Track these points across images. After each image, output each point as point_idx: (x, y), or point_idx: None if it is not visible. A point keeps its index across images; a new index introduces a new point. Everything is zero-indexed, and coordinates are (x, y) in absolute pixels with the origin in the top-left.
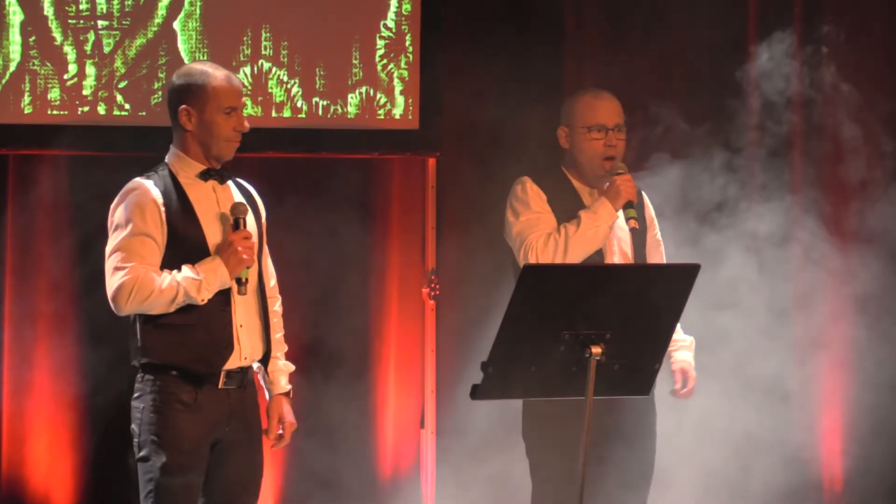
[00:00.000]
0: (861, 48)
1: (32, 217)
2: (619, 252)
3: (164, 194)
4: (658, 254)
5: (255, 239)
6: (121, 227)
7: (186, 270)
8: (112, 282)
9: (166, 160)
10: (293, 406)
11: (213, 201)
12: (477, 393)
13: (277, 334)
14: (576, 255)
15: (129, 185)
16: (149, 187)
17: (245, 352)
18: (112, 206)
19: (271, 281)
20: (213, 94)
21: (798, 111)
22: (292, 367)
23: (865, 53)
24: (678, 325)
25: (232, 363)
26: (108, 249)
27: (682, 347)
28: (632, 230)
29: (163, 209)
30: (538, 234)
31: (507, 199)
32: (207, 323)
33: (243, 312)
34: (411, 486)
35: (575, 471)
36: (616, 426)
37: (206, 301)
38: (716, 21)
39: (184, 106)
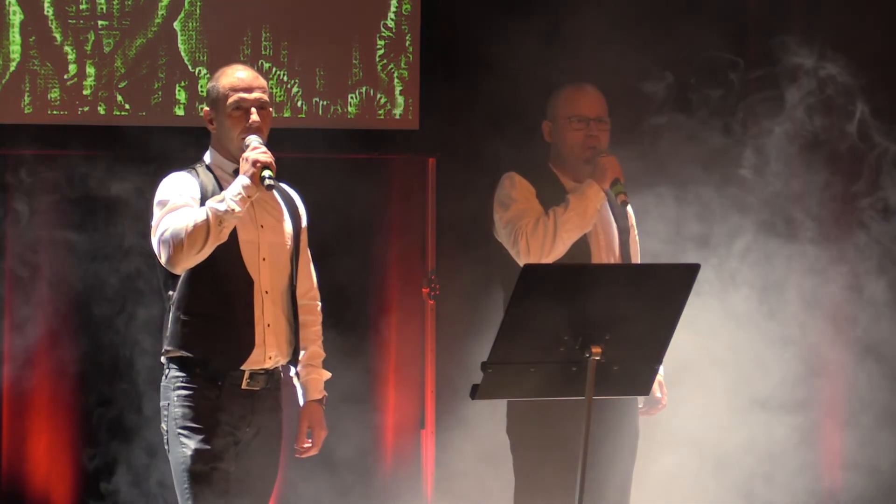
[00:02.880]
0: (861, 47)
1: (32, 217)
2: (606, 247)
3: (202, 185)
4: (636, 252)
5: (290, 241)
6: (160, 206)
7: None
8: (156, 248)
9: (203, 158)
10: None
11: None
12: (477, 393)
13: (318, 340)
14: (566, 237)
15: (168, 175)
16: (187, 176)
17: (270, 352)
18: (153, 200)
19: (313, 282)
20: (221, 93)
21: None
22: (328, 375)
23: (866, 52)
24: None
25: (256, 363)
26: (151, 232)
27: None
28: (621, 229)
29: (199, 198)
30: (528, 219)
31: (495, 194)
32: (233, 318)
33: (271, 312)
34: (411, 486)
35: (557, 467)
36: (598, 425)
37: (237, 211)
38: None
39: (205, 108)
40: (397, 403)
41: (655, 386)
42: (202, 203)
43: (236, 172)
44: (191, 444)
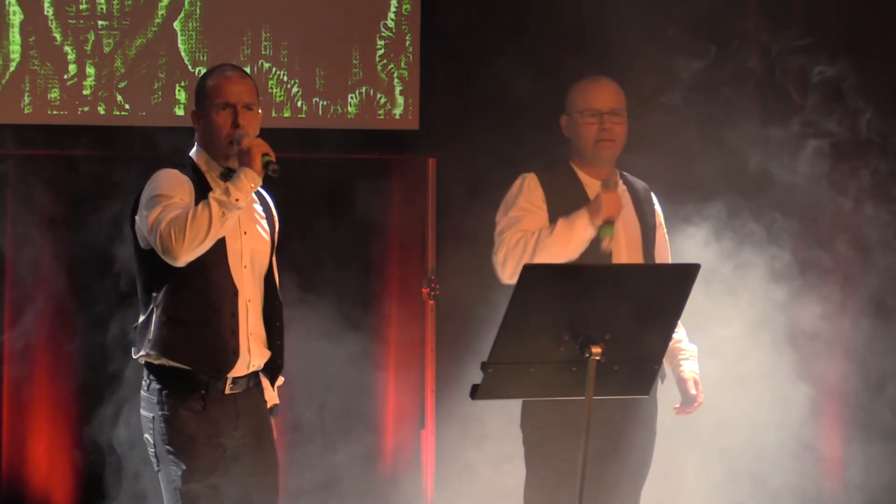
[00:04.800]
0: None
1: (32, 217)
2: (627, 246)
3: (194, 184)
4: (665, 253)
5: (268, 248)
6: (157, 200)
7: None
8: (156, 242)
9: (191, 155)
10: (295, 406)
11: None
12: (477, 393)
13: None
14: (543, 260)
15: (159, 171)
16: (180, 175)
17: (254, 360)
18: (144, 192)
19: (277, 284)
20: (207, 92)
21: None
22: (281, 380)
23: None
24: (684, 334)
25: (239, 371)
26: (148, 225)
27: (691, 357)
28: (646, 227)
29: (193, 191)
30: (514, 231)
31: (507, 192)
32: (218, 325)
33: (253, 321)
34: (411, 486)
35: (569, 462)
36: (616, 429)
37: (241, 202)
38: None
39: (193, 108)
40: (397, 403)
41: (691, 384)
42: (197, 201)
43: (223, 176)
44: (181, 462)
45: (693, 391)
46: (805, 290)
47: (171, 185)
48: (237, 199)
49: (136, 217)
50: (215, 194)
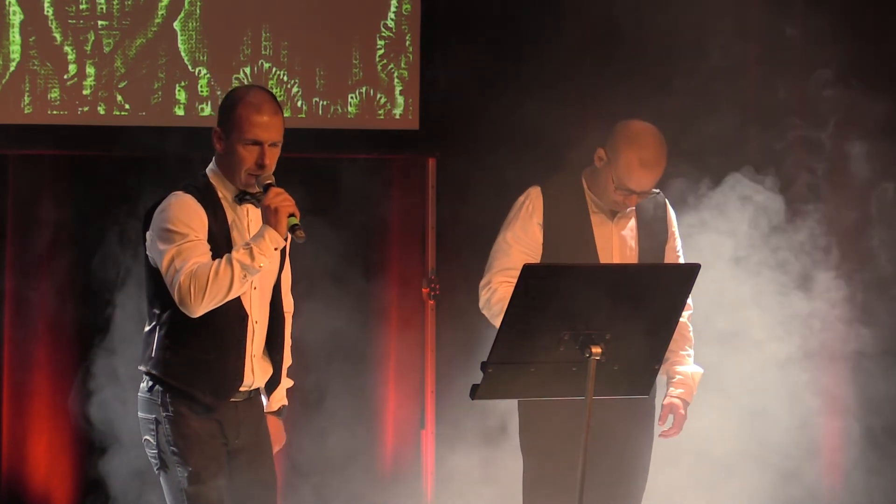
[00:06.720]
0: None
1: (32, 217)
2: (619, 257)
3: (206, 210)
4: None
5: (278, 266)
6: (171, 236)
7: (237, 247)
8: (173, 290)
9: (207, 172)
10: (294, 406)
11: (245, 226)
12: (477, 393)
13: (287, 347)
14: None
15: (174, 196)
16: (195, 204)
17: (257, 382)
18: (157, 217)
19: (290, 292)
20: (236, 122)
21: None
22: (290, 383)
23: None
24: (689, 355)
25: (241, 389)
26: (162, 262)
27: (681, 382)
28: (643, 250)
29: (207, 223)
30: (492, 286)
31: (513, 205)
32: (223, 352)
33: (258, 342)
34: (411, 486)
35: (567, 465)
36: (610, 428)
37: (262, 266)
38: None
39: (216, 127)
40: (397, 403)
41: (667, 411)
42: (209, 236)
43: (238, 199)
44: (187, 464)
45: (668, 420)
46: (809, 290)
47: (185, 218)
48: (259, 265)
49: (148, 236)
50: (238, 255)
